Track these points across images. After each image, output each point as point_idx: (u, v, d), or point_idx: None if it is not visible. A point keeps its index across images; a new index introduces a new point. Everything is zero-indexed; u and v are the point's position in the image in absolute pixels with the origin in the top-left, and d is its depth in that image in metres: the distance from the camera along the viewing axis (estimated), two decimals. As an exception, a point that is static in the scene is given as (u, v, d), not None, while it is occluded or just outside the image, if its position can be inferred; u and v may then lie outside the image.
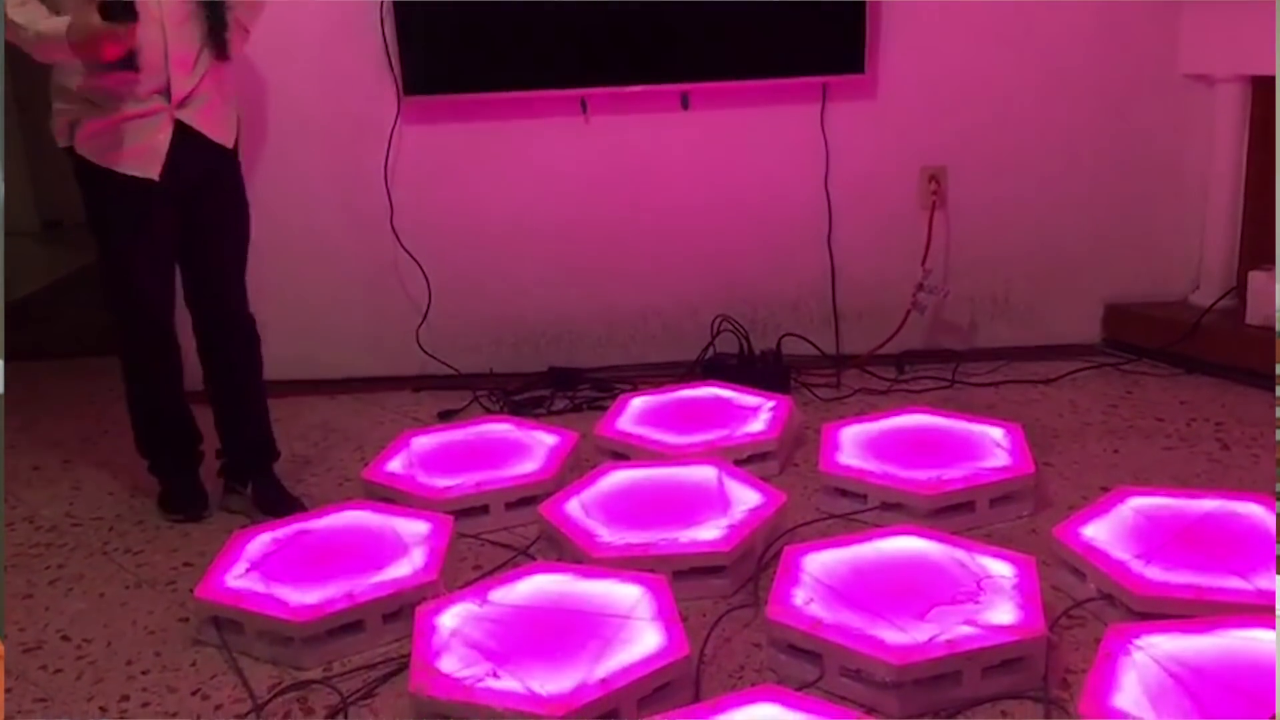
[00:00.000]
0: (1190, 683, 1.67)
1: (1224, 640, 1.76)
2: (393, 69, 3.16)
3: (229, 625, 2.08)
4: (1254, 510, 2.17)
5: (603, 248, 3.38)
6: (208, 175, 2.49)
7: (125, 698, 1.97)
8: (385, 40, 3.14)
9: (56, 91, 2.39)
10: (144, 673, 2.04)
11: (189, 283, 2.59)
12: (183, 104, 2.39)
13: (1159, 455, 2.69)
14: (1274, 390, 2.97)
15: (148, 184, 2.39)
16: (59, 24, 2.22)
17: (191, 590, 2.16)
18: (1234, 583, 1.93)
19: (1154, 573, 1.98)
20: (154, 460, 2.70)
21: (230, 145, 2.52)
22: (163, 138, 2.38)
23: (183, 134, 2.40)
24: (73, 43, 2.21)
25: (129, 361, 2.60)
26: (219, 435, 2.70)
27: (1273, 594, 1.89)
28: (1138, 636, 1.78)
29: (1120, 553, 2.05)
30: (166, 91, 2.37)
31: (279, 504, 2.59)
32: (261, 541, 2.29)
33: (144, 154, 2.38)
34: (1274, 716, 1.20)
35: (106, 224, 2.45)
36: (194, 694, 1.97)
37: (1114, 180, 3.30)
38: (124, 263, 2.47)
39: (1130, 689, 1.67)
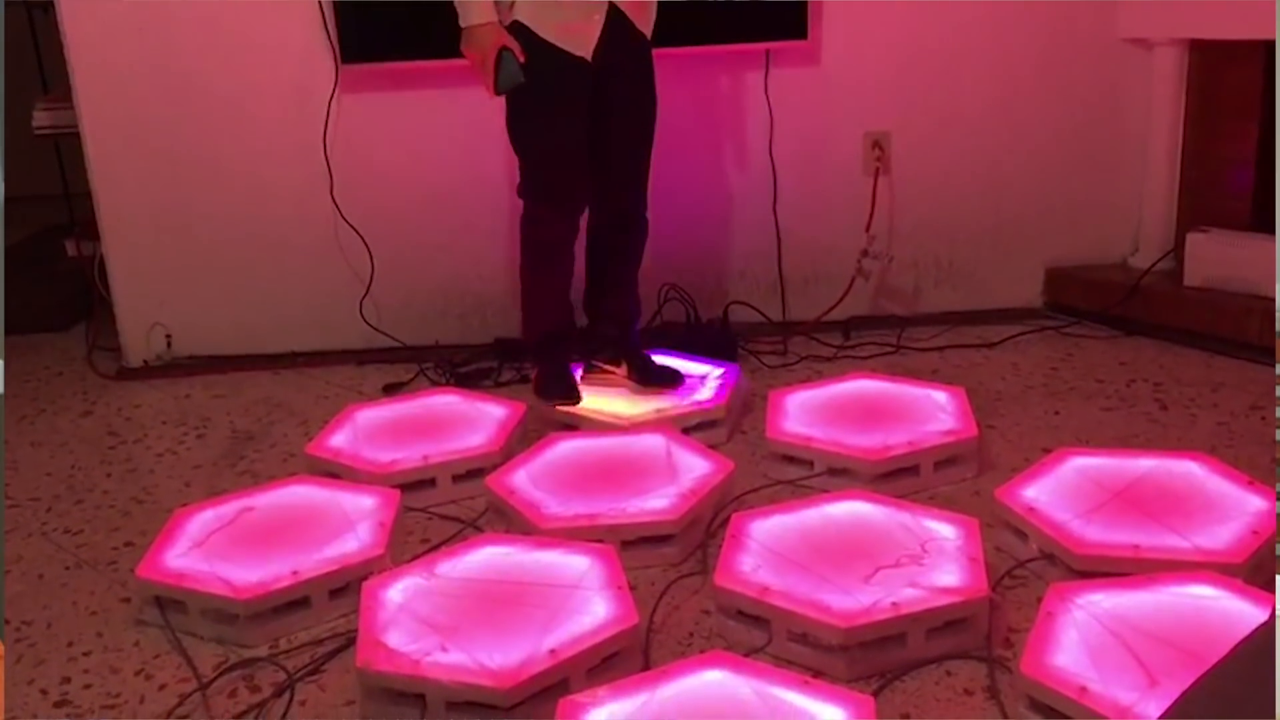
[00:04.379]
0: (1130, 639, 1.70)
1: (1162, 597, 1.79)
2: (330, 36, 3.10)
3: (172, 605, 2.05)
4: (1191, 469, 2.20)
5: (547, 217, 3.36)
6: (627, 63, 2.60)
7: (67, 680, 1.94)
8: (322, 6, 3.08)
9: None
10: (85, 654, 2.01)
11: (592, 177, 2.67)
12: None
13: (1099, 416, 2.73)
14: (1211, 350, 3.03)
15: (580, 62, 2.51)
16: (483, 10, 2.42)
17: (133, 570, 2.13)
18: (1172, 540, 1.97)
19: (1094, 532, 2.01)
20: (540, 344, 2.77)
21: (649, 36, 2.62)
22: (599, 19, 2.51)
23: (615, 19, 2.53)
24: (468, 41, 2.45)
25: (540, 236, 2.66)
26: (589, 312, 2.83)
27: (1210, 550, 1.93)
28: (1078, 595, 1.81)
29: (1061, 513, 2.08)
30: None
31: (660, 375, 2.78)
32: (204, 519, 2.25)
33: (580, 33, 2.51)
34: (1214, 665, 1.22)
35: (533, 98, 2.52)
36: (137, 674, 1.94)
37: (1054, 145, 3.33)
38: (547, 135, 2.57)
39: (1071, 646, 1.70)
